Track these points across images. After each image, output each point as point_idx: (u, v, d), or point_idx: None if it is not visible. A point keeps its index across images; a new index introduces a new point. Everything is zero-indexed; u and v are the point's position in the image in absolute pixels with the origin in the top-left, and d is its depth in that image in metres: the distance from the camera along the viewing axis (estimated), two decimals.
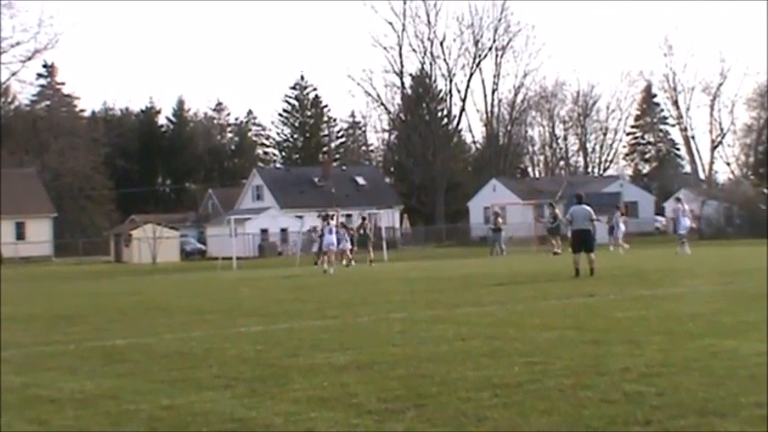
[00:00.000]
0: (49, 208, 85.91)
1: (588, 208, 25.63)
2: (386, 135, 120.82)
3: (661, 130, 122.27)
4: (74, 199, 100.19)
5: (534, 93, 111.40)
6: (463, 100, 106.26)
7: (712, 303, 17.40)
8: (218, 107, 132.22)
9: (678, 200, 44.05)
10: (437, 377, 10.11)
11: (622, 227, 47.14)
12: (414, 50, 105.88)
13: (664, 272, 27.54)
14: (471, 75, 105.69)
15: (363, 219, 47.70)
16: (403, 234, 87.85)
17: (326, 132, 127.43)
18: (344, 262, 41.23)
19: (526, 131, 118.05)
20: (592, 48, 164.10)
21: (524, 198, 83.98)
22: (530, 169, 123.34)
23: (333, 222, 37.37)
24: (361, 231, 46.48)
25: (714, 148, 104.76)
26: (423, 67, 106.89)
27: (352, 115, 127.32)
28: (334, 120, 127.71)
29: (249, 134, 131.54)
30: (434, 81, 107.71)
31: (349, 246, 42.45)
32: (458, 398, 9.00)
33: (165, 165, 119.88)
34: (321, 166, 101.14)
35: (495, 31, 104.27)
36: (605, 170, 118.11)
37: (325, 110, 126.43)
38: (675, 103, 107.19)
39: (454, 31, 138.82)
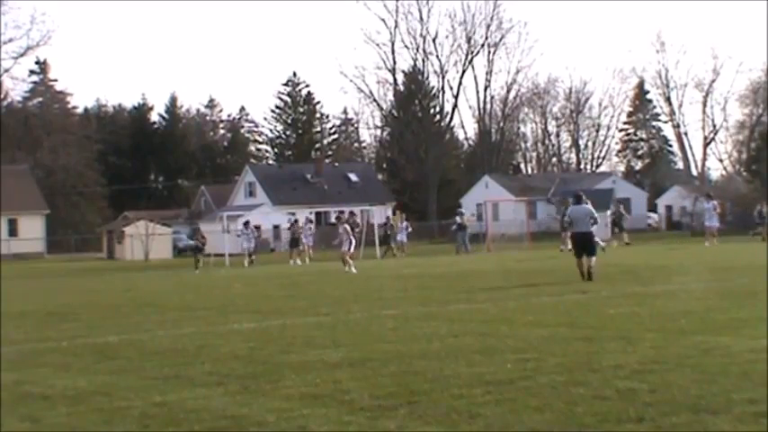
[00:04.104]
0: (41, 205, 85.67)
1: (589, 207, 23.69)
2: (378, 132, 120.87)
3: (653, 127, 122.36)
4: (66, 196, 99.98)
5: (527, 89, 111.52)
6: (455, 97, 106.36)
7: (705, 300, 17.42)
8: (211, 104, 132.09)
9: (709, 196, 44.76)
10: (429, 374, 10.12)
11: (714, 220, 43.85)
12: (406, 47, 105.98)
13: (656, 269, 27.57)
14: (464, 71, 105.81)
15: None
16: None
17: (319, 129, 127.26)
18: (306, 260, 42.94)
19: (518, 128, 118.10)
20: (584, 44, 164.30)
21: (517, 195, 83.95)
22: (522, 166, 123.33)
23: (345, 220, 36.55)
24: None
25: (707, 144, 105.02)
26: (415, 64, 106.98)
27: (345, 112, 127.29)
28: (327, 116, 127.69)
29: (242, 131, 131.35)
30: (427, 78, 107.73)
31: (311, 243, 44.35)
32: (450, 395, 9.01)
33: (157, 161, 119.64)
34: (314, 163, 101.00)
35: (488, 27, 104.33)
36: (598, 167, 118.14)
37: (318, 106, 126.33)
38: (668, 99, 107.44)
39: (446, 28, 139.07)
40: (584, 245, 23.25)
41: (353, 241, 34.38)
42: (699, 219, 60.60)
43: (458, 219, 49.38)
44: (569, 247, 36.18)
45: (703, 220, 43.23)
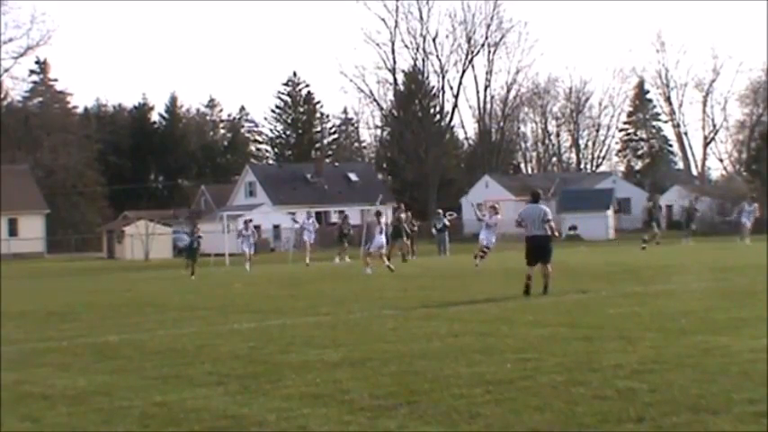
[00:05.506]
0: (41, 204, 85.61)
1: (544, 208, 20.52)
2: (378, 131, 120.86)
3: (654, 127, 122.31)
4: (66, 195, 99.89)
5: (527, 89, 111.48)
6: (456, 96, 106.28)
7: (704, 300, 17.43)
8: (211, 103, 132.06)
9: (753, 198, 46.48)
10: (429, 374, 10.12)
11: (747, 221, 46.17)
12: (406, 47, 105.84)
13: (656, 268, 27.56)
14: (464, 71, 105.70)
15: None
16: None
17: (319, 129, 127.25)
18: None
19: (518, 128, 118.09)
20: (584, 44, 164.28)
21: (517, 194, 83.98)
22: (522, 166, 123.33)
23: (383, 220, 33.97)
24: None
25: (707, 144, 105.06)
26: (415, 64, 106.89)
27: (345, 112, 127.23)
28: (327, 116, 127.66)
29: (242, 131, 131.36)
30: (427, 77, 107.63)
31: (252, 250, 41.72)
32: (450, 394, 9.02)
33: (157, 161, 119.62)
34: (314, 163, 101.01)
35: (488, 27, 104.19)
36: (598, 167, 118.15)
37: (318, 106, 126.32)
38: (668, 99, 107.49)
39: (446, 28, 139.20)
40: (537, 251, 20.16)
41: (382, 240, 32.61)
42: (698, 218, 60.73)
43: (445, 221, 49.16)
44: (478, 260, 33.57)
45: (741, 220, 45.98)
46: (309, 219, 47.53)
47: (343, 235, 45.78)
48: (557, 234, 20.96)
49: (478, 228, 45.23)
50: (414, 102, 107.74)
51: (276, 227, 79.00)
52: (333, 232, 61.73)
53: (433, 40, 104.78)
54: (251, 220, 44.27)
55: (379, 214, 33.73)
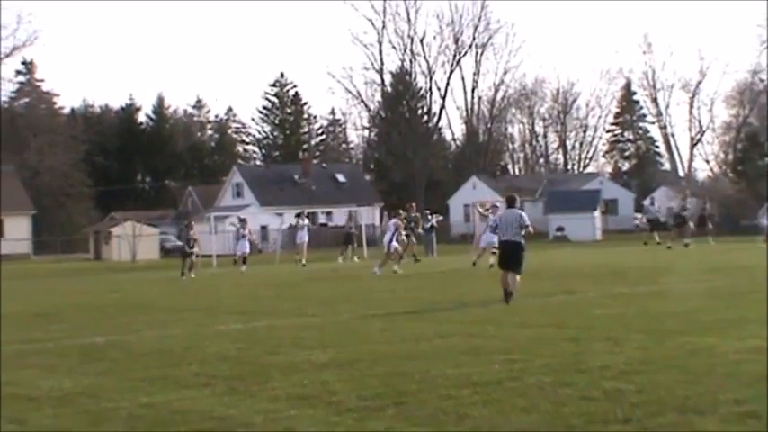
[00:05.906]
0: (27, 205, 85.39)
1: (520, 212, 19.39)
2: (366, 132, 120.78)
3: (640, 128, 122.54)
4: (53, 196, 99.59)
5: (514, 90, 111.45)
6: (443, 97, 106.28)
7: (691, 301, 17.49)
8: (198, 104, 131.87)
9: None
10: (417, 375, 10.12)
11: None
12: (394, 48, 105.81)
13: (643, 269, 27.61)
14: (451, 72, 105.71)
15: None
16: (383, 232, 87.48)
17: (306, 130, 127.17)
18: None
19: (506, 129, 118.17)
20: (572, 45, 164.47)
21: (504, 195, 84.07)
22: (509, 167, 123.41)
23: (394, 221, 33.38)
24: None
25: (693, 145, 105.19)
26: (403, 65, 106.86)
27: (332, 113, 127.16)
28: (314, 117, 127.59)
29: (229, 131, 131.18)
30: (414, 78, 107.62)
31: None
32: (437, 395, 9.02)
33: (144, 162, 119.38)
34: (301, 164, 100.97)
35: (475, 28, 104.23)
36: (585, 168, 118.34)
37: (305, 107, 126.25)
38: (655, 100, 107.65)
39: (434, 29, 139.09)
40: (509, 257, 18.87)
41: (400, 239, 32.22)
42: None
43: (434, 221, 49.07)
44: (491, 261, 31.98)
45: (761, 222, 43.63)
46: (305, 220, 47.42)
47: (349, 235, 46.39)
48: (531, 230, 19.39)
49: (468, 229, 44.96)
50: (401, 103, 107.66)
51: (264, 228, 78.91)
52: (325, 233, 61.68)
53: (421, 41, 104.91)
54: (244, 219, 43.28)
55: (397, 214, 34.04)
